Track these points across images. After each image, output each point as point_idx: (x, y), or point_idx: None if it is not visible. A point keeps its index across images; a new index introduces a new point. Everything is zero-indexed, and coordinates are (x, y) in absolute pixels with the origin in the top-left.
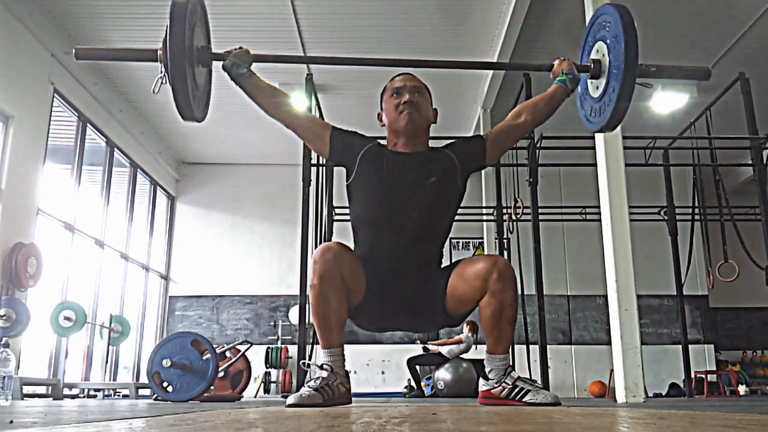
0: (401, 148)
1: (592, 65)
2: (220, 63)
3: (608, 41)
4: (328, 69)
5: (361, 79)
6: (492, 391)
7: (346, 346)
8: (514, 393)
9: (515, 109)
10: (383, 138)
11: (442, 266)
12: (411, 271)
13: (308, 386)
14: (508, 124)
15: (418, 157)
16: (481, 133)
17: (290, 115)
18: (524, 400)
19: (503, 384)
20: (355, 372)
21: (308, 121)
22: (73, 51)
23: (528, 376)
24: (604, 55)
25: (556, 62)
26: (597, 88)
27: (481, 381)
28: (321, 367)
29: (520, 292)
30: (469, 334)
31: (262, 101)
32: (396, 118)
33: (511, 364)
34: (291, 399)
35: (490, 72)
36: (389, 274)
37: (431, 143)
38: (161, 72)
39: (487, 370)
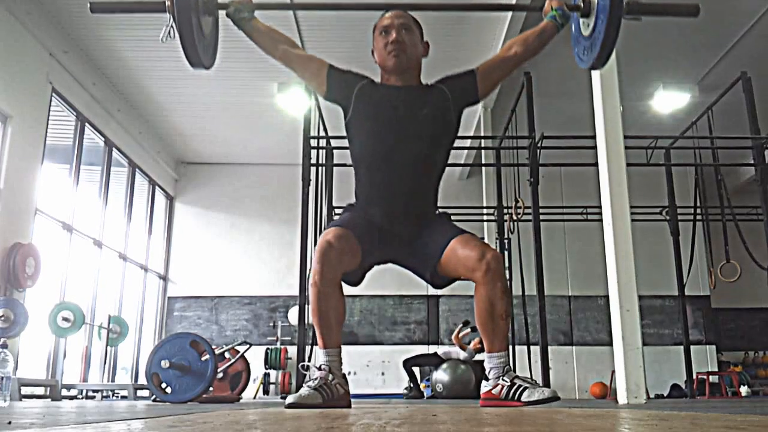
0: (393, 83)
1: (582, 3)
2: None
3: None
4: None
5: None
6: (492, 391)
7: (345, 347)
8: (512, 392)
9: (507, 43)
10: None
11: (439, 212)
12: (408, 213)
13: (307, 386)
14: (499, 56)
15: (410, 91)
16: (475, 67)
17: (289, 54)
18: (522, 398)
19: (501, 382)
20: (354, 373)
21: (306, 59)
22: (88, 5)
23: (528, 375)
24: None
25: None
26: (588, 26)
27: (483, 383)
28: (319, 368)
29: (521, 293)
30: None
31: (263, 42)
32: (385, 57)
33: (508, 362)
34: (290, 399)
35: None
36: (387, 218)
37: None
38: (169, 21)
39: (486, 370)
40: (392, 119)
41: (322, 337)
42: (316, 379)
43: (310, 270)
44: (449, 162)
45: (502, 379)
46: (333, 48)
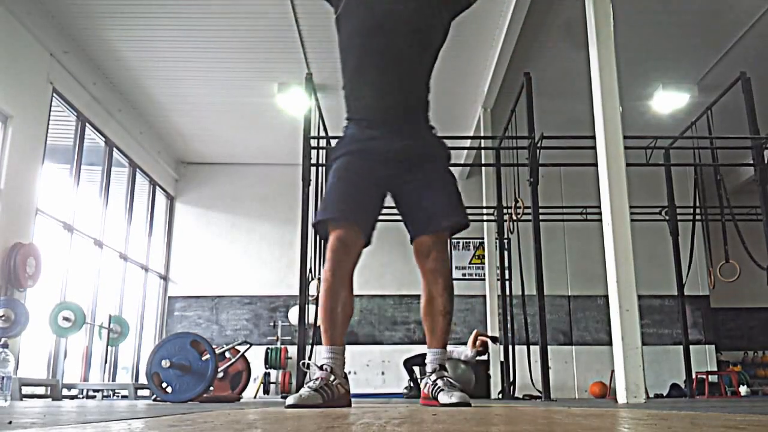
0: None
1: None
2: None
3: None
4: (328, 68)
5: None
6: (425, 390)
7: (346, 347)
8: (433, 391)
9: None
10: None
11: (432, 130)
12: (400, 116)
13: (308, 387)
14: None
15: None
16: None
17: None
18: (438, 398)
19: (428, 381)
20: (354, 373)
21: None
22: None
23: (451, 378)
24: None
25: None
26: None
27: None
28: (321, 368)
29: (521, 292)
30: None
31: None
32: None
33: (443, 360)
34: (290, 399)
35: (491, 72)
36: (382, 127)
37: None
38: None
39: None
40: (378, 11)
41: (327, 333)
42: (317, 379)
43: (310, 270)
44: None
45: (429, 377)
46: None
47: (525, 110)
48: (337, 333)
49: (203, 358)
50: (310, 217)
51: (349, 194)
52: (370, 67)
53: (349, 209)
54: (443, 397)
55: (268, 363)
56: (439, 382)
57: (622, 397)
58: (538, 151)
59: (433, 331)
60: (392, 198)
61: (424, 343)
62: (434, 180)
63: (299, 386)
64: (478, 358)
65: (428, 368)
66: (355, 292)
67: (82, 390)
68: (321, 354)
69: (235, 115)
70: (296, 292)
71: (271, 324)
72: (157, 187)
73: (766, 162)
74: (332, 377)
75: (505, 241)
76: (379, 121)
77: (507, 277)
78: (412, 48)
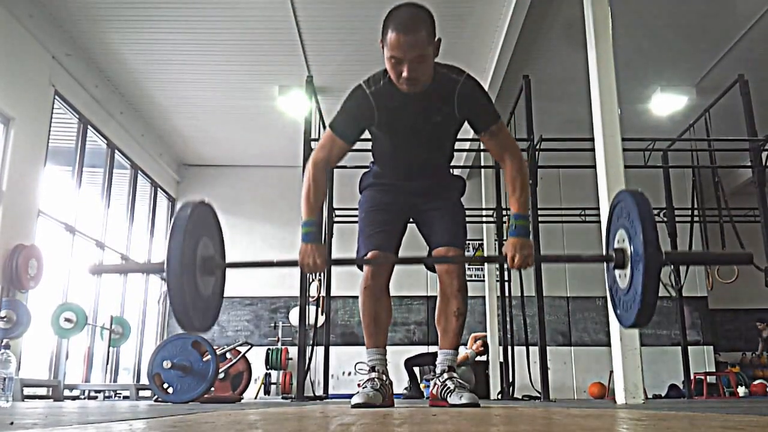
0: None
1: (615, 255)
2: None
3: (628, 230)
4: (329, 71)
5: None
6: (433, 390)
7: (345, 348)
8: (442, 392)
9: (499, 153)
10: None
11: (453, 176)
12: (422, 175)
13: (371, 387)
14: (494, 152)
15: (425, 97)
16: (498, 121)
17: (329, 166)
18: (448, 400)
19: (437, 381)
20: (355, 373)
21: (334, 156)
22: (88, 269)
23: (458, 377)
24: (624, 240)
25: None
26: (623, 276)
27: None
28: (373, 369)
29: (520, 293)
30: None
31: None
32: (397, 80)
33: (453, 361)
34: (357, 399)
35: (490, 73)
36: (404, 176)
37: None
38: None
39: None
40: (409, 127)
41: (372, 337)
42: (373, 379)
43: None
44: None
45: (438, 378)
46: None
47: (524, 112)
48: (380, 336)
49: (204, 359)
50: None
51: (378, 225)
52: (397, 167)
53: (380, 240)
54: (453, 398)
55: (268, 364)
56: (449, 383)
57: (620, 398)
58: (537, 153)
59: (446, 332)
60: (413, 221)
61: (424, 343)
62: (447, 208)
63: (300, 387)
64: (477, 358)
65: (438, 369)
66: (355, 293)
67: (84, 391)
68: (367, 356)
69: (236, 117)
70: (297, 293)
71: (272, 325)
72: (159, 189)
73: (763, 164)
74: (384, 377)
75: (504, 242)
76: (404, 179)
77: (506, 278)
78: (439, 147)
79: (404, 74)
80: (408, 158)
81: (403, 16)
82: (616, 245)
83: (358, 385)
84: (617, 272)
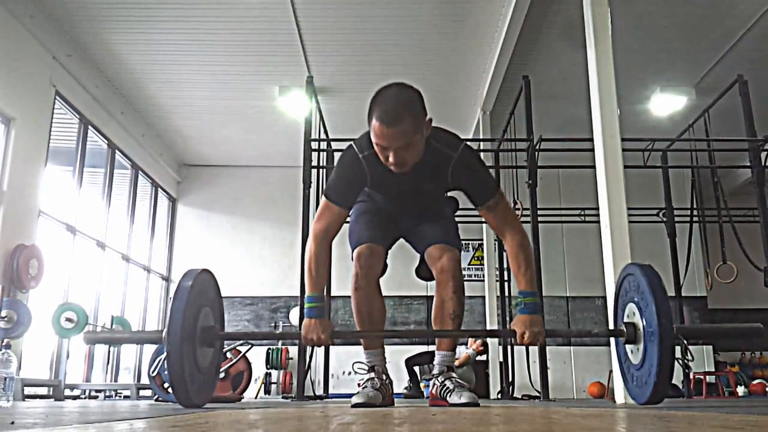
0: None
1: (626, 329)
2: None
3: (639, 303)
4: (329, 71)
5: (361, 81)
6: (432, 390)
7: (344, 348)
8: (442, 392)
9: (499, 228)
10: None
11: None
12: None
13: (371, 386)
14: (494, 226)
15: (416, 172)
16: (496, 194)
17: (332, 238)
18: (448, 399)
19: (436, 382)
20: (355, 372)
21: (333, 224)
22: (83, 338)
23: (456, 376)
24: (634, 313)
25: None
26: (635, 351)
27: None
28: (372, 369)
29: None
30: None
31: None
32: (384, 161)
33: (452, 361)
34: (357, 399)
35: (490, 74)
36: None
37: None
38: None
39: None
40: (401, 191)
41: (368, 338)
42: (376, 379)
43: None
44: None
45: (437, 379)
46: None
47: (524, 113)
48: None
49: None
50: (311, 218)
51: (371, 223)
52: (391, 208)
53: (373, 234)
54: (453, 398)
55: (269, 363)
56: (448, 383)
57: (620, 398)
58: (536, 153)
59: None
60: (404, 238)
61: (423, 344)
62: (438, 219)
63: (300, 386)
64: (477, 358)
65: (436, 369)
66: None
67: (85, 390)
68: (365, 357)
69: (236, 117)
70: (297, 293)
71: (273, 325)
72: (159, 189)
73: (763, 164)
74: (384, 377)
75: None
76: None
77: (506, 278)
78: (427, 202)
79: (390, 159)
80: (400, 209)
81: (387, 104)
82: (626, 319)
83: (358, 384)
84: (628, 347)
